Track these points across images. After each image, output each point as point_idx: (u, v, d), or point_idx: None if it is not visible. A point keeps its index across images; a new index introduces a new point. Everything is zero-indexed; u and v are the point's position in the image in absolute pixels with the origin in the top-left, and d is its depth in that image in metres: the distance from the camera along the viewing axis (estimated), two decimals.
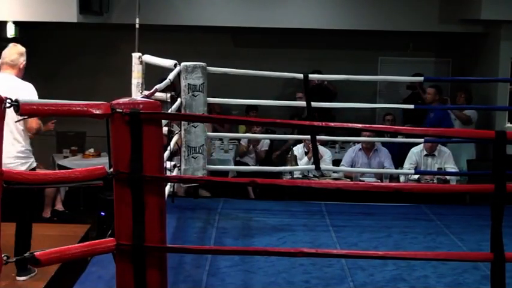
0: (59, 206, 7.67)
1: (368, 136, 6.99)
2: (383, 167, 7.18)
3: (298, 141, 7.55)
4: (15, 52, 4.65)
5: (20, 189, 2.51)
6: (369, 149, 7.28)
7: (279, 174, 6.90)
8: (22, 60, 4.68)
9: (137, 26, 6.26)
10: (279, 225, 5.21)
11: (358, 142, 7.36)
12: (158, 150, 2.72)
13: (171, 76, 4.69)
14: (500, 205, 2.89)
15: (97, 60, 9.87)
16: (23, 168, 4.53)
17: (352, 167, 7.14)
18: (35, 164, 4.72)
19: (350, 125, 2.96)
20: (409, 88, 8.97)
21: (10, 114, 2.49)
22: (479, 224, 4.97)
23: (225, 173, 7.34)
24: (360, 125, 3.00)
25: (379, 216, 5.54)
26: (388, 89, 10.06)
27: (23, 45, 4.81)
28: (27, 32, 8.85)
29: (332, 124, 3.24)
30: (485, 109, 8.83)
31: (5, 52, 4.65)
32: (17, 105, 2.43)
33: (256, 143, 8.27)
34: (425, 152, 7.06)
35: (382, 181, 6.94)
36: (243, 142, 8.36)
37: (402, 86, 9.46)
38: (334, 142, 8.37)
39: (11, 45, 4.72)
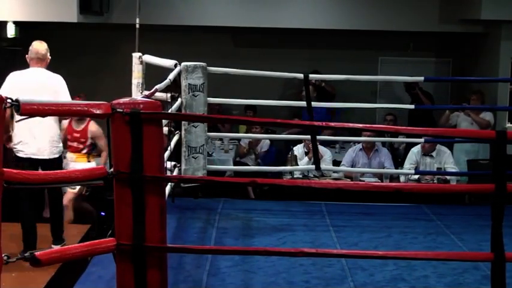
0: None
1: (368, 136, 6.98)
2: (383, 167, 7.17)
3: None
4: (44, 48, 5.02)
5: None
6: (369, 149, 7.27)
7: (279, 174, 6.89)
8: (49, 55, 5.05)
9: (137, 26, 6.25)
10: (279, 225, 5.20)
11: (359, 142, 7.36)
12: (158, 150, 2.72)
13: (171, 76, 4.69)
14: (501, 205, 2.89)
15: (97, 60, 9.87)
16: (57, 149, 5.03)
17: (352, 167, 7.12)
18: (62, 150, 5.17)
19: (350, 125, 2.95)
20: (408, 90, 8.96)
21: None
22: (479, 224, 4.97)
23: (224, 173, 7.32)
24: (360, 125, 2.99)
25: (379, 216, 5.53)
26: (388, 89, 10.06)
27: (23, 45, 4.94)
28: (27, 32, 8.85)
29: (332, 124, 3.24)
30: (484, 109, 8.80)
31: (34, 49, 4.99)
32: (17, 105, 2.43)
33: (256, 144, 8.25)
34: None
35: (382, 181, 6.94)
36: (243, 143, 8.34)
37: (402, 86, 9.45)
38: (335, 142, 8.36)
39: (37, 42, 5.05)
